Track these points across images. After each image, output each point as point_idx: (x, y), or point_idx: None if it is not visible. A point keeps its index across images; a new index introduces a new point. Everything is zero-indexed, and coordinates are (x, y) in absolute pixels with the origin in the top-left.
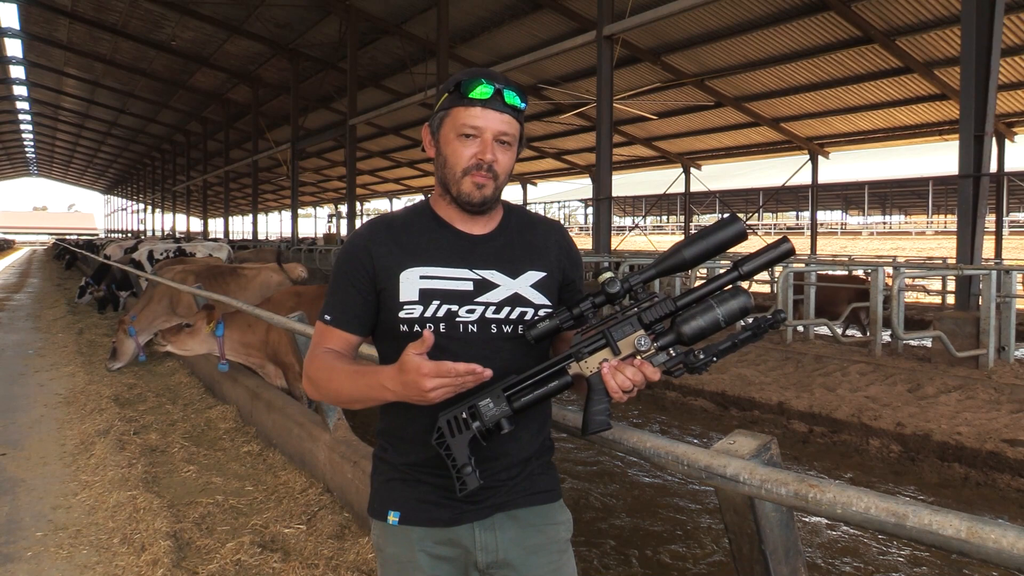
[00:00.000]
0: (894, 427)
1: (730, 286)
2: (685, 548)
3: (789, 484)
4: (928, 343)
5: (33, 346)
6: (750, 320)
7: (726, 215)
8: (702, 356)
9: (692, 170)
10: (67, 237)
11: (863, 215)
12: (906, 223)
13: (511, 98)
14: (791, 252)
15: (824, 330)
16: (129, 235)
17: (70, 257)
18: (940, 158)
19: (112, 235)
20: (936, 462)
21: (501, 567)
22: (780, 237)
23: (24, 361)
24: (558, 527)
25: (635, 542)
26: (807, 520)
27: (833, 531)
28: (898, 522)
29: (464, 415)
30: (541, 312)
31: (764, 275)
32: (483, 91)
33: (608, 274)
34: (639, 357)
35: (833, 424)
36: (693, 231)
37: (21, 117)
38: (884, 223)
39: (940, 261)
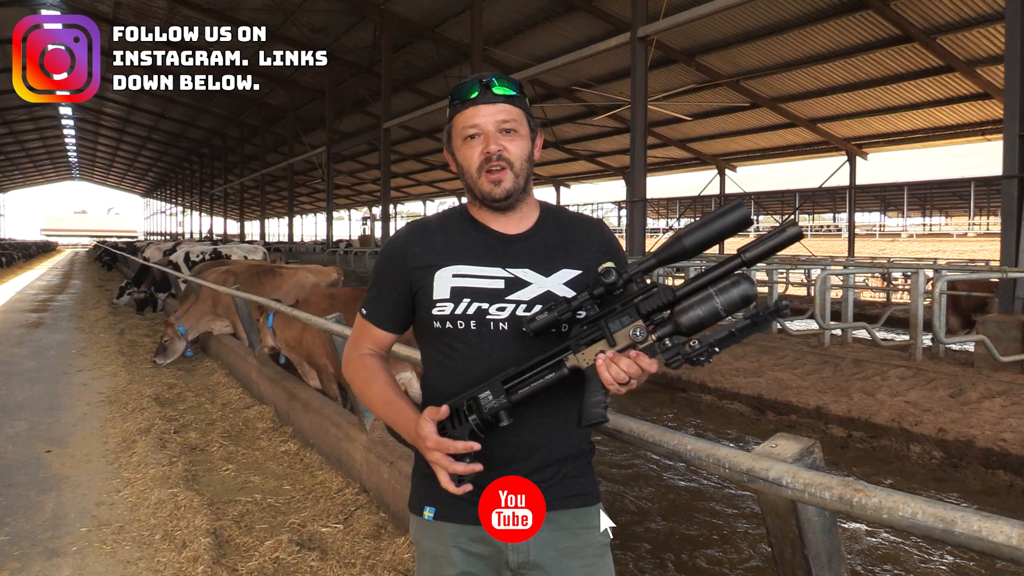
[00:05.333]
0: (936, 433)
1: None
2: (722, 553)
3: (833, 488)
4: (970, 347)
5: (76, 346)
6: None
7: (731, 202)
8: (698, 346)
9: (727, 172)
10: (107, 239)
11: (902, 217)
12: (947, 225)
13: (499, 88)
14: (799, 236)
15: (862, 333)
16: (168, 237)
17: (110, 259)
18: (982, 158)
19: (151, 238)
20: (980, 469)
21: (532, 568)
22: (786, 220)
23: (67, 361)
24: (594, 531)
25: (671, 546)
26: (846, 526)
27: (873, 538)
28: (946, 528)
29: (464, 407)
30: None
31: (801, 277)
32: (471, 91)
33: (607, 264)
34: (636, 348)
35: (872, 429)
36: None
37: (64, 123)
38: (924, 225)
39: (983, 263)
